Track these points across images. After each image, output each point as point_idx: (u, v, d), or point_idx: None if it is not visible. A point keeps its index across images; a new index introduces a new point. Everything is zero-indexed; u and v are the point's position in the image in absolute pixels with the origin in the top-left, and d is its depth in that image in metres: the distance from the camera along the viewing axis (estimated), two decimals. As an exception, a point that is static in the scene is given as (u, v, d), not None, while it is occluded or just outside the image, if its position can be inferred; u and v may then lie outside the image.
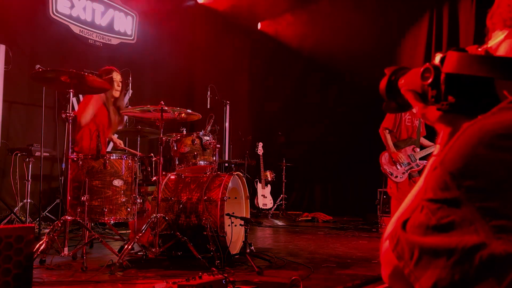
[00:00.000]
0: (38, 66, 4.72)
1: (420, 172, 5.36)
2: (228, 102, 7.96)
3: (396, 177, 5.35)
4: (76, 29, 6.89)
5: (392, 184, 5.48)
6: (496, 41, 0.87)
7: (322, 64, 8.75)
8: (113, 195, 3.71)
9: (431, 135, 5.55)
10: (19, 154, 5.38)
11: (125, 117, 4.76)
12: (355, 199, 8.21)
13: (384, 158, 5.45)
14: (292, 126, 9.34)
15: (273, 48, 9.64)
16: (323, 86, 8.78)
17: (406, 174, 5.34)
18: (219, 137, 7.35)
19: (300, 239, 5.63)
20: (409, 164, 5.34)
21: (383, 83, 0.96)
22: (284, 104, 9.29)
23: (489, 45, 0.88)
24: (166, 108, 3.79)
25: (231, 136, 8.41)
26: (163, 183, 4.07)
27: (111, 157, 3.76)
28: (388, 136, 5.37)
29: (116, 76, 4.60)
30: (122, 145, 5.05)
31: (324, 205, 8.45)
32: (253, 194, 8.08)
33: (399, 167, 5.35)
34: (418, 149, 5.43)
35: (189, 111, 3.98)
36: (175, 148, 4.20)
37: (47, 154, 5.75)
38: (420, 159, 5.42)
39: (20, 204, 5.31)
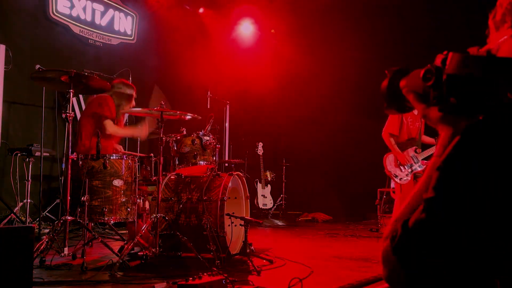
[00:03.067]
0: (38, 66, 4.72)
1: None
2: (228, 102, 7.96)
3: (401, 179, 5.33)
4: (76, 29, 6.88)
5: (396, 187, 5.47)
6: (499, 42, 0.87)
7: (323, 64, 8.75)
8: (113, 195, 3.71)
9: (432, 135, 5.55)
10: (19, 154, 5.38)
11: (126, 116, 4.75)
12: (355, 199, 8.21)
13: (388, 160, 5.42)
14: (293, 126, 9.33)
15: (273, 46, 9.64)
16: (323, 85, 8.77)
17: (410, 175, 5.33)
18: (219, 137, 7.34)
19: (300, 239, 5.63)
20: (412, 166, 5.34)
21: (384, 84, 0.96)
22: (285, 103, 9.29)
23: (490, 46, 0.88)
24: (166, 110, 3.79)
25: (231, 136, 8.40)
26: (163, 183, 4.07)
27: (111, 157, 3.76)
28: (392, 140, 5.35)
29: (134, 94, 4.55)
30: (122, 150, 5.02)
31: (324, 205, 8.45)
32: (253, 194, 8.08)
33: (403, 169, 5.34)
34: (420, 150, 5.43)
35: (189, 115, 3.96)
36: (175, 148, 4.19)
37: (47, 154, 5.75)
38: (423, 159, 5.41)
39: (20, 204, 5.31)
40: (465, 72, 0.78)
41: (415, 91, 0.89)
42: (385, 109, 0.98)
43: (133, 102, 4.49)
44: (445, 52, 0.81)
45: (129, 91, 4.41)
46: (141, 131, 4.59)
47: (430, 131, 5.60)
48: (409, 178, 5.30)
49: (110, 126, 4.22)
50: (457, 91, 0.79)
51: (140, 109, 4.06)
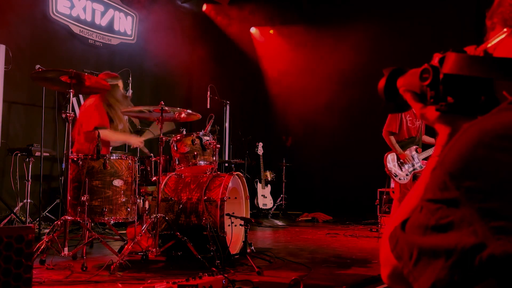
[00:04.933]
0: (38, 66, 4.72)
1: None
2: (228, 102, 7.96)
3: (400, 179, 5.33)
4: (76, 29, 6.88)
5: (395, 187, 5.46)
6: (496, 41, 0.87)
7: (323, 64, 8.76)
8: (113, 195, 3.71)
9: (431, 135, 5.55)
10: (19, 154, 5.38)
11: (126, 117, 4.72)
12: (355, 199, 8.21)
13: (389, 159, 5.41)
14: (293, 126, 9.34)
15: (273, 46, 9.65)
16: (323, 85, 8.78)
17: (410, 175, 5.32)
18: (219, 137, 7.35)
19: (300, 239, 5.63)
20: (412, 165, 5.33)
21: (381, 84, 0.96)
22: (285, 103, 9.30)
23: (488, 45, 0.87)
24: (166, 108, 3.80)
25: (231, 136, 8.41)
26: (163, 183, 4.07)
27: (111, 157, 3.76)
28: (393, 139, 5.35)
29: (121, 84, 4.51)
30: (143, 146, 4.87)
31: (324, 205, 8.45)
32: (253, 194, 8.08)
33: (403, 168, 5.33)
34: (420, 150, 5.42)
35: (189, 111, 3.98)
36: (175, 148, 4.20)
37: (47, 154, 5.75)
38: (423, 159, 5.41)
39: (20, 204, 5.31)
40: (462, 72, 0.78)
41: (412, 90, 0.89)
42: (383, 108, 0.98)
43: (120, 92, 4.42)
44: (442, 51, 0.81)
45: (115, 81, 4.36)
46: (135, 140, 4.41)
47: (431, 131, 5.61)
48: (408, 178, 5.29)
49: (102, 132, 4.08)
50: (454, 90, 0.79)
51: (138, 108, 4.06)
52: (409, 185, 5.32)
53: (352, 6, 8.57)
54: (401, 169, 5.34)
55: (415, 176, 5.37)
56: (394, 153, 5.36)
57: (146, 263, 3.67)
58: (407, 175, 5.31)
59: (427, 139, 5.59)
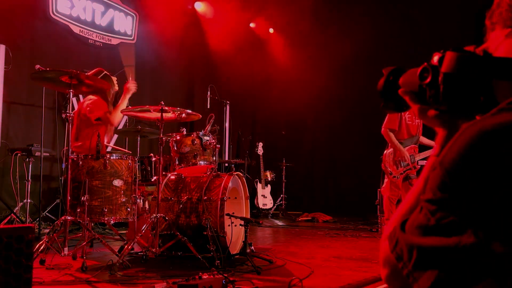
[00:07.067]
0: (38, 66, 4.72)
1: (418, 173, 5.34)
2: (228, 102, 7.96)
3: (394, 177, 5.33)
4: (76, 29, 6.88)
5: (386, 183, 5.47)
6: (495, 41, 0.87)
7: (322, 64, 8.75)
8: (113, 195, 3.71)
9: (431, 134, 5.54)
10: (19, 154, 5.38)
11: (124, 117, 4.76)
12: (355, 199, 8.21)
13: (387, 155, 5.42)
14: (292, 127, 9.34)
15: (272, 46, 9.65)
16: (323, 85, 8.78)
17: (403, 175, 5.33)
18: (219, 137, 7.35)
19: (300, 239, 5.63)
20: (408, 165, 5.33)
21: (381, 83, 0.96)
22: (285, 103, 9.30)
23: (488, 45, 0.87)
24: (166, 108, 3.80)
25: (231, 136, 8.41)
26: (163, 183, 4.07)
27: (111, 157, 3.76)
28: (393, 136, 5.34)
29: (115, 81, 4.67)
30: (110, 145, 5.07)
31: (324, 205, 8.45)
32: (253, 194, 8.08)
33: (398, 167, 5.34)
34: (417, 150, 5.42)
35: (189, 111, 3.98)
36: (175, 148, 4.20)
37: (47, 154, 5.75)
38: (420, 160, 5.41)
39: (20, 204, 5.31)
40: (462, 71, 0.78)
41: (412, 90, 0.89)
42: (382, 108, 0.98)
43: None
44: (441, 51, 0.81)
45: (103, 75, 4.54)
46: (128, 91, 4.70)
47: (429, 132, 5.61)
48: (401, 178, 5.30)
49: (112, 117, 4.37)
50: (454, 90, 0.79)
51: (138, 108, 4.07)
52: (399, 184, 5.33)
53: (353, 7, 8.56)
54: (397, 167, 5.34)
55: (406, 177, 5.37)
56: (392, 150, 5.36)
57: (146, 263, 3.66)
58: (401, 173, 5.32)
59: (425, 140, 5.59)
